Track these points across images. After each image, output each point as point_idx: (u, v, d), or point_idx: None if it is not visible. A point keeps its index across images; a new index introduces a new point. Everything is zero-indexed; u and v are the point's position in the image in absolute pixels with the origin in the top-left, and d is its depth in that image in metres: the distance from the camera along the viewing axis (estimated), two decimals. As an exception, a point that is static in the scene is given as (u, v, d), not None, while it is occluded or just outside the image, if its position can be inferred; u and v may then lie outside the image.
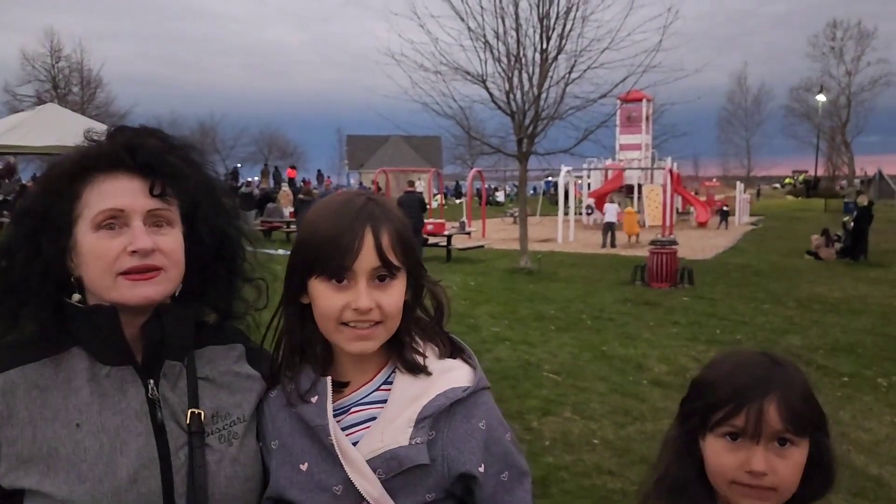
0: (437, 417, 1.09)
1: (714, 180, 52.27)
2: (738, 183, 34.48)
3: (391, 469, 1.07)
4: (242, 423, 1.14)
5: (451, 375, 1.14)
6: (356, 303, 1.02)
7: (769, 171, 68.12)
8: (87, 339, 1.07)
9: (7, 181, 18.57)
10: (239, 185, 29.55)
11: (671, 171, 23.06)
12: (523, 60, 12.62)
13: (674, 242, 12.70)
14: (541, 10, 12.41)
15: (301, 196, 17.49)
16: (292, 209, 19.66)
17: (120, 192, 1.06)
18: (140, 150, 1.08)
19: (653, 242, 12.72)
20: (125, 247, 1.03)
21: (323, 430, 1.07)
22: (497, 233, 23.88)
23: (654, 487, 1.17)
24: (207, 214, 1.15)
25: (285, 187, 30.47)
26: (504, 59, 12.67)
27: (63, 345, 1.07)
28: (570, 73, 12.55)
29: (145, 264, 1.04)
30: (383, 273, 1.05)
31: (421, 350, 1.13)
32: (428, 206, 17.15)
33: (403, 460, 1.07)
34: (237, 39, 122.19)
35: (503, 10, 12.54)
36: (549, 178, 39.47)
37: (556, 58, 12.55)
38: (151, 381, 1.09)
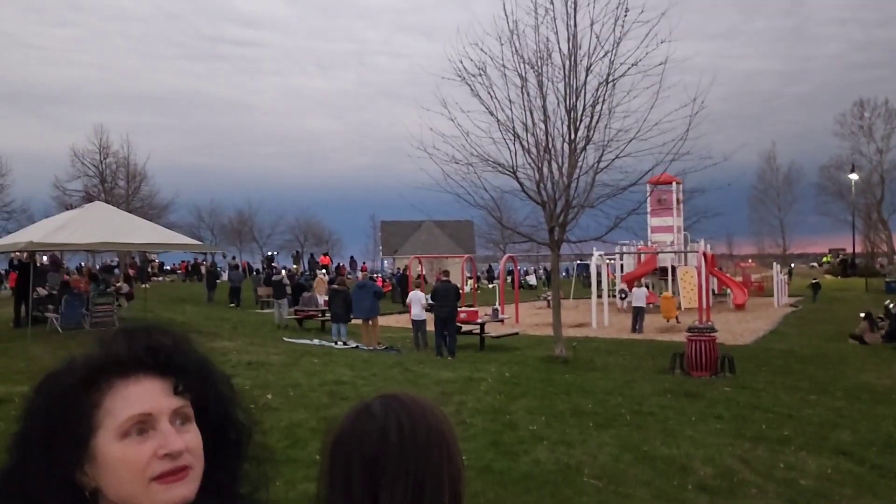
0: None
1: (749, 260, 51.60)
2: (773, 263, 33.98)
3: None
4: None
5: None
6: None
7: (805, 249, 67.12)
8: None
9: (54, 273, 18.99)
10: (275, 272, 29.95)
11: (704, 254, 22.83)
12: (552, 151, 12.79)
13: (713, 329, 12.43)
14: (568, 103, 12.64)
15: (335, 286, 17.55)
16: (326, 297, 19.74)
17: (145, 395, 1.03)
18: (161, 350, 1.07)
19: (690, 329, 12.46)
20: (155, 451, 1.00)
21: None
22: (531, 317, 23.71)
23: None
24: (215, 403, 1.13)
25: (321, 274, 30.81)
26: (533, 150, 12.85)
27: None
28: (598, 162, 12.66)
29: (177, 465, 1.01)
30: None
31: None
32: (460, 292, 17.08)
33: None
34: (274, 130, 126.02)
35: (531, 104, 12.82)
36: (581, 261, 39.38)
37: (584, 148, 12.69)
38: None
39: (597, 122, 12.57)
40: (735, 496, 5.37)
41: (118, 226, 16.41)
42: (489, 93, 12.90)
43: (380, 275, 44.20)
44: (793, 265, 57.81)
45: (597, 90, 12.54)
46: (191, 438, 1.05)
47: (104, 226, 16.03)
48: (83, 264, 20.06)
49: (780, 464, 6.26)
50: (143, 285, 30.02)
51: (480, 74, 12.87)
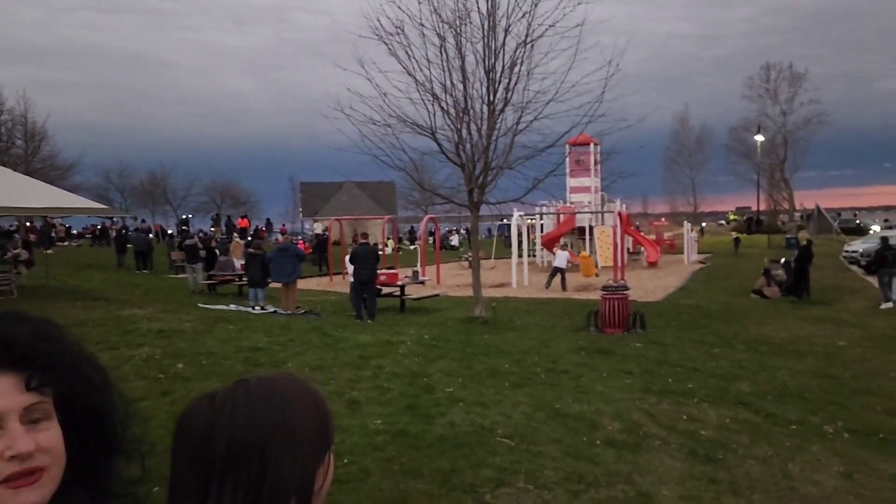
0: None
1: (663, 219, 53.43)
2: (685, 221, 35.23)
3: None
4: None
5: None
6: None
7: (714, 207, 69.80)
8: None
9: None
10: (189, 236, 29.02)
11: (620, 214, 23.45)
12: (471, 113, 12.76)
13: (625, 287, 12.83)
14: (486, 64, 12.61)
15: (252, 249, 17.15)
16: (243, 261, 19.32)
17: None
18: (14, 343, 1.00)
19: (604, 288, 12.84)
20: (2, 452, 0.93)
21: None
22: (452, 279, 23.88)
23: None
24: (82, 397, 1.07)
25: (237, 238, 30.08)
26: (452, 112, 12.79)
27: None
28: (517, 124, 12.73)
29: (27, 468, 0.95)
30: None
31: None
32: (380, 254, 17.04)
33: None
34: (189, 88, 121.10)
35: (450, 64, 12.71)
36: (503, 221, 39.83)
37: (503, 109, 12.72)
38: None
39: (515, 84, 12.61)
40: (640, 450, 5.56)
41: (15, 188, 15.56)
42: (407, 52, 12.71)
43: (301, 237, 43.50)
44: (704, 224, 60.20)
45: (515, 51, 12.55)
46: (46, 437, 0.99)
47: (3, 190, 15.17)
48: None
49: (683, 416, 6.55)
50: (47, 251, 28.68)
51: (398, 33, 12.67)
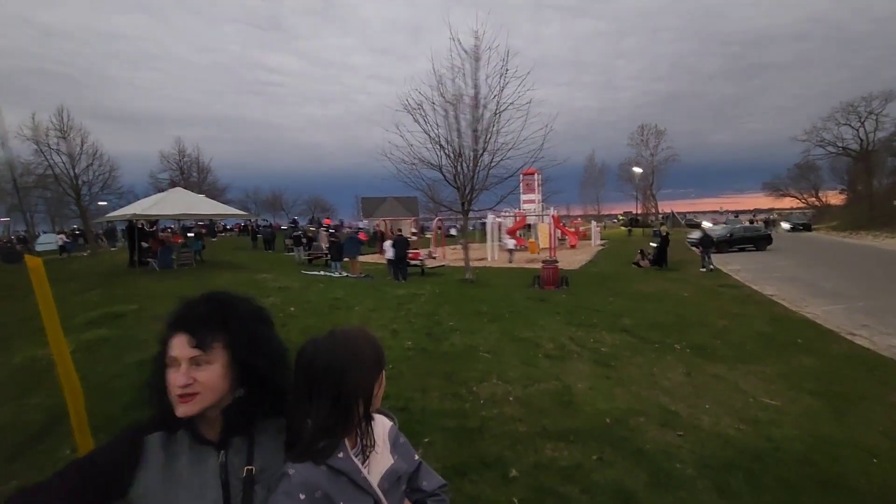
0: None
1: (578, 219, 53.07)
2: (591, 221, 34.98)
3: (391, 480, 1.08)
4: None
5: (382, 420, 1.17)
6: None
7: (610, 211, 69.51)
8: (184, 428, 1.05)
9: (152, 228, 17.80)
10: (295, 229, 28.91)
11: (553, 216, 23.23)
12: (463, 156, 12.63)
13: (556, 262, 12.75)
14: (473, 126, 12.47)
15: (333, 238, 17.10)
16: (327, 245, 19.25)
17: (175, 345, 1.02)
18: (189, 315, 1.04)
19: (543, 261, 12.76)
20: (176, 381, 1.00)
21: (356, 474, 1.04)
22: (451, 255, 23.75)
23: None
24: (244, 349, 1.06)
25: (322, 230, 29.94)
26: (452, 155, 12.66)
27: (175, 426, 1.04)
28: (490, 163, 12.58)
29: (184, 392, 1.00)
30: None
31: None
32: (410, 242, 16.93)
33: (400, 472, 1.11)
34: (293, 141, 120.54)
35: (450, 126, 12.59)
36: (482, 220, 39.56)
37: (482, 154, 12.58)
38: (223, 452, 1.03)
39: (489, 138, 12.45)
40: (565, 359, 5.51)
41: (192, 202, 15.51)
42: (424, 119, 12.58)
43: (361, 230, 43.22)
44: (604, 223, 59.75)
45: (489, 119, 12.38)
46: (202, 375, 1.00)
47: (183, 202, 15.11)
48: (171, 227, 19.00)
49: (591, 339, 6.47)
50: (213, 239, 28.62)
51: (419, 108, 12.52)
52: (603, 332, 6.95)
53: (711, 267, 15.39)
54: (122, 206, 21.07)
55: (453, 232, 46.59)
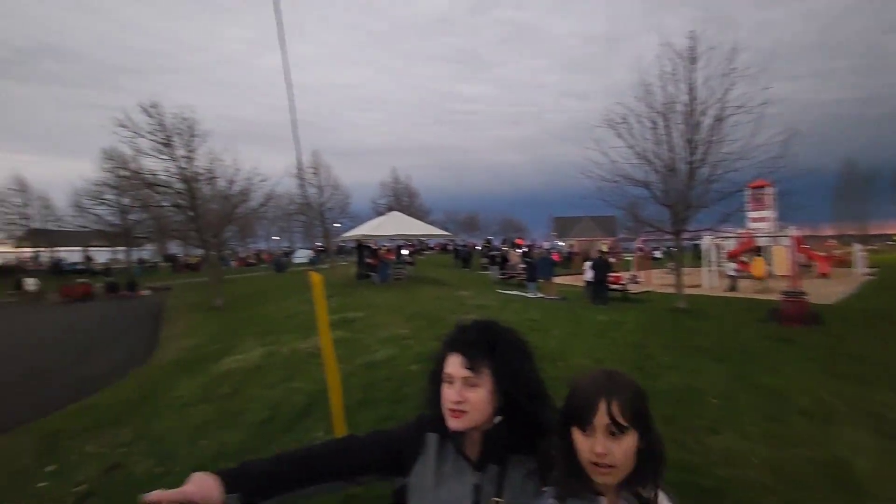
0: None
1: (831, 240, 42.60)
2: (853, 242, 27.60)
3: None
4: None
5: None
6: (595, 448, 0.94)
7: (883, 230, 53.68)
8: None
9: (374, 250, 20.92)
10: (492, 249, 30.33)
11: (795, 237, 19.18)
12: (676, 170, 11.43)
13: (802, 293, 10.41)
14: (688, 137, 11.22)
15: (528, 258, 17.36)
16: (522, 264, 19.61)
17: (451, 364, 1.10)
18: (460, 340, 1.12)
19: (785, 293, 10.54)
20: (450, 397, 1.08)
21: None
22: (657, 280, 21.61)
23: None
24: (506, 378, 1.11)
25: (514, 250, 30.69)
26: (662, 170, 11.59)
27: (446, 433, 1.13)
28: (711, 176, 11.09)
29: (456, 409, 1.07)
30: (613, 430, 0.94)
31: (643, 485, 0.98)
32: (611, 264, 16.02)
33: None
34: (486, 163, 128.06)
35: (659, 139, 11.56)
36: (693, 241, 35.10)
37: (699, 167, 11.19)
38: (479, 474, 1.09)
39: (709, 149, 11.01)
40: (830, 422, 4.36)
41: (405, 224, 17.68)
42: (629, 133, 11.83)
43: (555, 250, 42.89)
44: (873, 245, 46.58)
45: (710, 127, 10.96)
46: (471, 396, 1.08)
47: (398, 224, 17.35)
48: (387, 245, 22.29)
49: (867, 399, 4.97)
50: (419, 257, 32.17)
51: (622, 122, 11.85)
52: (886, 391, 5.33)
53: None
54: (352, 228, 25.32)
55: (658, 254, 42.52)
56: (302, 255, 41.70)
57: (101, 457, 4.45)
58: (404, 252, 24.13)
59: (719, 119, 10.81)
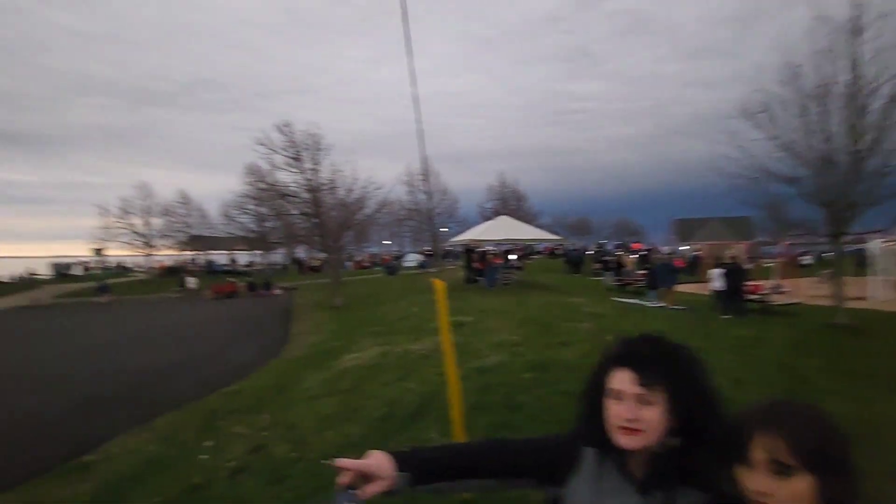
0: None
1: None
2: None
3: None
4: None
5: None
6: (755, 486, 0.86)
7: None
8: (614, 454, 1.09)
9: (482, 254, 21.05)
10: (605, 253, 28.92)
11: None
12: (835, 163, 9.82)
13: None
14: (851, 122, 9.57)
15: (647, 264, 16.22)
16: (639, 270, 18.38)
17: (620, 379, 1.05)
18: (631, 355, 1.06)
19: None
20: (621, 414, 1.03)
21: None
22: (808, 291, 18.77)
23: None
24: (684, 396, 1.03)
25: (629, 255, 28.91)
26: (815, 164, 10.02)
27: (607, 450, 1.09)
28: (884, 167, 9.34)
29: (629, 426, 1.02)
30: (776, 469, 0.85)
31: None
32: (747, 271, 14.32)
33: None
34: (597, 163, 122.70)
35: (811, 128, 10.00)
36: (855, 245, 29.99)
37: (867, 158, 9.48)
38: (643, 497, 1.04)
39: (881, 136, 9.27)
40: None
41: (513, 228, 17.57)
42: (772, 123, 10.43)
43: (678, 256, 39.66)
44: None
45: (882, 109, 9.24)
46: (645, 415, 1.01)
47: (506, 229, 17.31)
48: (493, 249, 22.47)
49: None
50: (527, 261, 31.79)
51: (763, 111, 10.48)
52: None
53: None
54: (459, 232, 25.85)
55: (807, 260, 37.09)
56: (411, 259, 43.61)
57: (246, 437, 5.03)
58: (512, 257, 24.00)
59: (895, 99, 9.07)
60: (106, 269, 42.68)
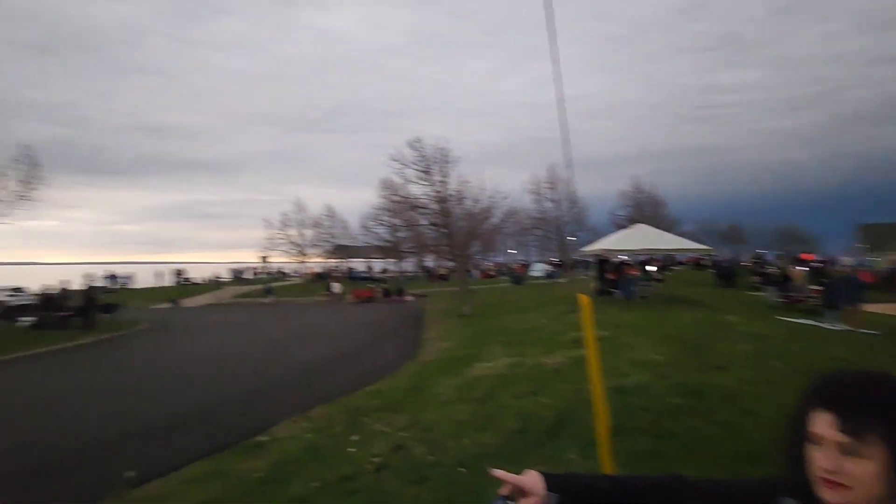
0: None
1: None
2: None
3: None
4: None
5: None
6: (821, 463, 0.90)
7: None
8: None
9: (617, 264, 19.86)
10: (764, 264, 25.32)
11: None
12: None
13: None
14: None
15: (825, 279, 13.76)
16: (815, 286, 15.67)
17: (820, 423, 0.92)
18: (834, 394, 0.93)
19: None
20: (821, 463, 0.92)
21: None
22: None
23: None
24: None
25: (796, 268, 24.82)
26: None
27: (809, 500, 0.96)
28: None
29: (831, 479, 0.90)
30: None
31: None
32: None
33: None
34: (751, 162, 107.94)
35: None
36: None
37: None
38: None
39: None
40: None
41: (651, 237, 16.33)
42: None
43: (867, 269, 33.20)
44: None
45: None
46: (850, 468, 0.86)
47: (644, 238, 16.15)
48: (628, 259, 21.06)
49: None
50: (667, 272, 29.20)
51: None
52: None
53: None
54: (589, 241, 24.76)
55: None
56: (538, 269, 42.89)
57: (387, 436, 5.38)
58: (650, 268, 22.30)
59: None
60: (270, 274, 49.64)
